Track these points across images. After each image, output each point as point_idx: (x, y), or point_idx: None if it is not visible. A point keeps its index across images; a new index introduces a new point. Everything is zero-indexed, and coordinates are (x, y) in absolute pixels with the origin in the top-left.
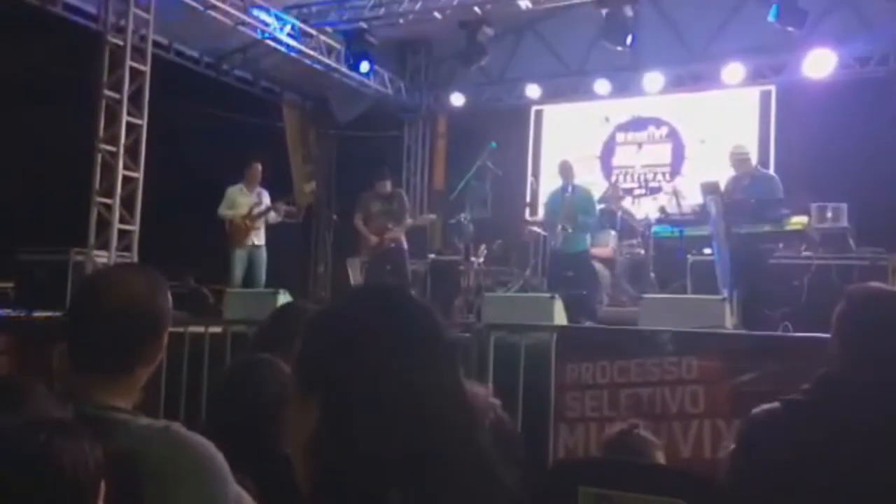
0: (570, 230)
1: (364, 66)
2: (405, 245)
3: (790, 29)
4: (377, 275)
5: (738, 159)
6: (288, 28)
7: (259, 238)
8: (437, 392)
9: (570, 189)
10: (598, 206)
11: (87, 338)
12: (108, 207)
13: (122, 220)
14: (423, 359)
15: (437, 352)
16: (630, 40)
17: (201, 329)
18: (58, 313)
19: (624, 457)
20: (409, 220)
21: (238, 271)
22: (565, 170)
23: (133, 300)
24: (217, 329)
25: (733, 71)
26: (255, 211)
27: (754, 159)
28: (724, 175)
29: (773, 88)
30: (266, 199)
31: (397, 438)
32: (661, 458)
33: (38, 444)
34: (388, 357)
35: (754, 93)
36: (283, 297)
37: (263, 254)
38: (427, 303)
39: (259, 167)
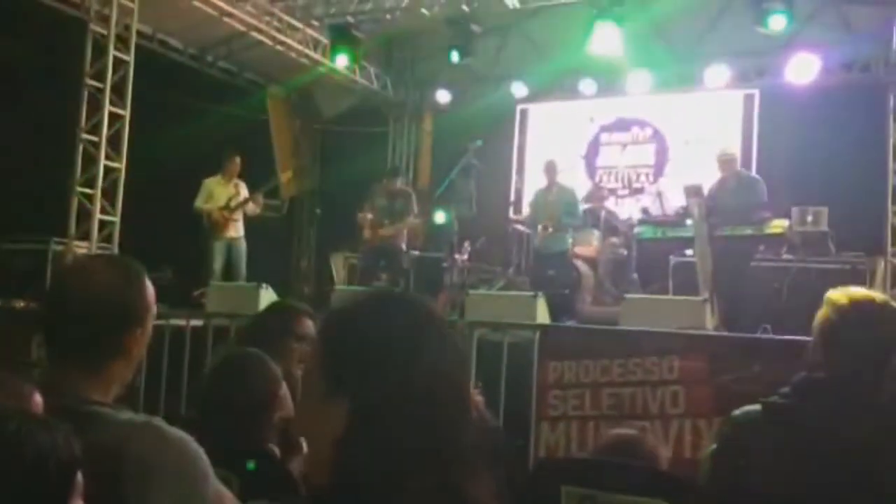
0: (550, 230)
1: (341, 61)
2: (402, 244)
3: (767, 32)
4: (370, 269)
5: (725, 160)
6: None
7: (238, 230)
8: (456, 394)
9: (553, 189)
10: (583, 206)
11: (61, 330)
12: (90, 198)
13: (103, 211)
14: (446, 361)
15: (455, 355)
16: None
17: (183, 322)
18: (37, 303)
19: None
20: (408, 221)
21: (218, 264)
22: (549, 169)
23: (104, 291)
24: (198, 322)
25: (717, 73)
26: (234, 202)
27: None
28: (707, 176)
29: (756, 92)
30: (244, 191)
31: (426, 437)
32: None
33: (9, 434)
34: (420, 359)
35: (738, 95)
36: (266, 292)
37: (243, 246)
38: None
39: (238, 160)
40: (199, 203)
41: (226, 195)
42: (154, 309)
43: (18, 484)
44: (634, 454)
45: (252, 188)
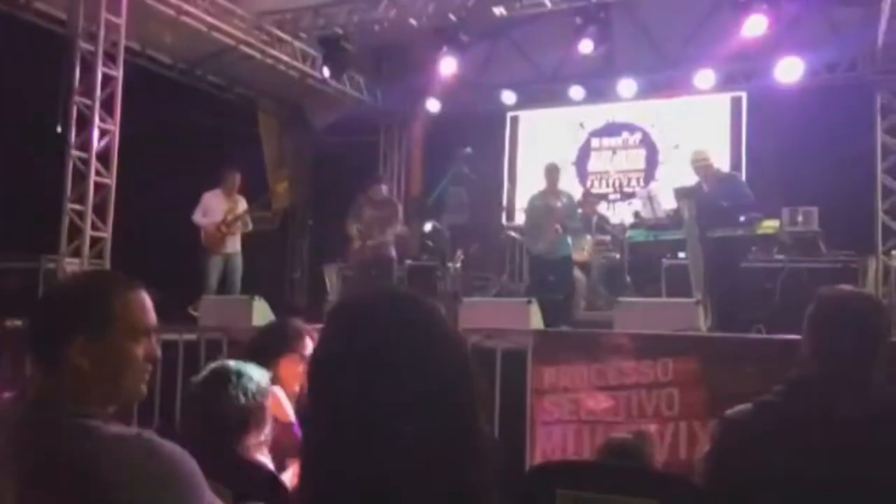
0: (562, 231)
1: (325, 72)
2: (392, 253)
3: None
4: (362, 281)
5: (699, 166)
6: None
7: (234, 245)
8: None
9: (557, 193)
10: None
11: (32, 339)
12: (80, 214)
13: (94, 227)
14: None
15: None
16: (604, 47)
17: (175, 336)
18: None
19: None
20: (396, 229)
21: (213, 278)
22: (552, 173)
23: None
24: (191, 336)
25: (705, 77)
26: (229, 217)
27: (726, 164)
28: (697, 180)
29: (744, 94)
30: (242, 207)
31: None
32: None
33: None
34: (385, 380)
35: (726, 99)
36: (259, 304)
37: (239, 260)
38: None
39: (238, 176)
40: (197, 217)
41: (223, 210)
42: (119, 321)
43: None
44: (633, 457)
45: (245, 200)
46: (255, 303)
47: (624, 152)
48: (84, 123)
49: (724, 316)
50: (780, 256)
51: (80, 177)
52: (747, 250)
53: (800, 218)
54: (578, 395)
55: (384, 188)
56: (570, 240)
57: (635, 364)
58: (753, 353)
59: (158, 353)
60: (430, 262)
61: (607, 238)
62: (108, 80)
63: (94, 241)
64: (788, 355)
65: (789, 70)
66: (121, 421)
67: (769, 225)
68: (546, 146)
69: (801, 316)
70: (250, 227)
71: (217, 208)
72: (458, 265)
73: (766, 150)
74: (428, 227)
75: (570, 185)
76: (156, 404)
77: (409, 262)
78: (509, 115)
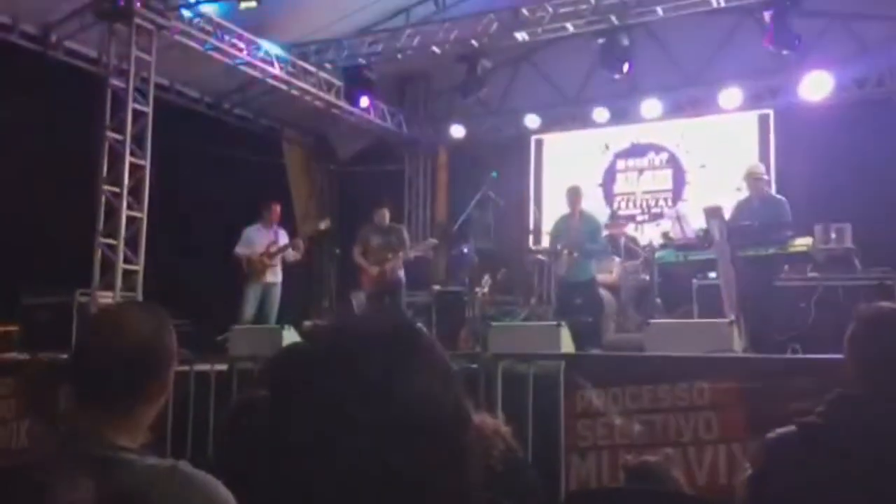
0: (575, 255)
1: (363, 102)
2: (401, 276)
3: (784, 52)
4: (378, 308)
5: (754, 179)
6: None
7: (275, 275)
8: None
9: (577, 215)
10: (603, 233)
11: (91, 377)
12: (113, 248)
13: (126, 260)
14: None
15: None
16: (626, 68)
17: (207, 367)
18: (63, 355)
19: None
20: (409, 253)
21: (250, 307)
22: (572, 196)
23: (135, 338)
24: (223, 366)
25: (730, 95)
26: (273, 248)
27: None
28: (726, 199)
29: (770, 112)
30: (283, 238)
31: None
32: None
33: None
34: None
35: (752, 116)
36: (289, 333)
37: (278, 291)
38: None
39: (278, 208)
40: (239, 249)
41: (264, 242)
42: (172, 360)
43: None
44: (658, 479)
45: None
46: (285, 332)
47: (650, 173)
48: (116, 159)
49: (758, 336)
50: (814, 274)
51: (112, 211)
52: (779, 269)
53: (833, 235)
54: (612, 420)
55: (387, 215)
56: (592, 262)
57: (670, 387)
58: (792, 373)
59: None
60: (458, 287)
61: (640, 266)
62: (138, 115)
63: (127, 275)
64: (828, 375)
65: (817, 86)
66: (154, 451)
67: (801, 243)
68: (571, 169)
69: (836, 335)
70: (299, 256)
71: (258, 240)
72: (486, 290)
73: (796, 167)
74: (466, 250)
75: (597, 207)
76: (189, 436)
77: (436, 287)
78: (534, 138)
